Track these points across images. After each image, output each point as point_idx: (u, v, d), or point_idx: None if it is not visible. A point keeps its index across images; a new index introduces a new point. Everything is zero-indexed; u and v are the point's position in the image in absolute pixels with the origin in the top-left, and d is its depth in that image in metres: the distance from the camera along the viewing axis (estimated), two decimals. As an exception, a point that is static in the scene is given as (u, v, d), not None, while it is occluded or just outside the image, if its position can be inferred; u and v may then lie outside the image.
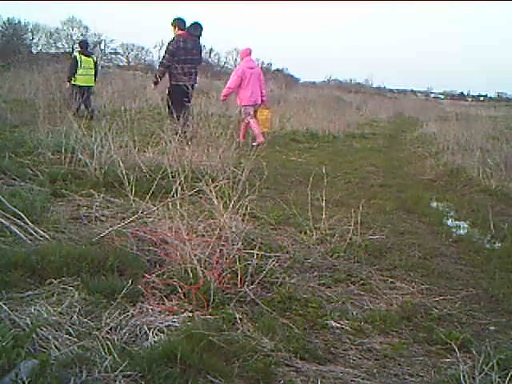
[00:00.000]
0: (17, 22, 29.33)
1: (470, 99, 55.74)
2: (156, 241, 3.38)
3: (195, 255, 3.03)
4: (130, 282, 2.83)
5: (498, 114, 23.70)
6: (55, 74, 13.70)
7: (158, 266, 3.18)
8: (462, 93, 60.85)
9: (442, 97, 57.36)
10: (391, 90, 48.66)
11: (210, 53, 34.89)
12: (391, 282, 3.48)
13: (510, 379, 2.20)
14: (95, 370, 2.05)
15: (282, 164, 7.88)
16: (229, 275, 3.01)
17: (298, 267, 3.55)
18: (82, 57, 10.97)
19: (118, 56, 36.53)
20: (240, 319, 2.65)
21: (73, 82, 10.82)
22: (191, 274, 2.95)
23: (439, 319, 3.00)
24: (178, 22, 7.68)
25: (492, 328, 2.97)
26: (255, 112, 9.38)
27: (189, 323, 2.49)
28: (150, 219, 3.76)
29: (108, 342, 2.25)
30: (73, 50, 34.38)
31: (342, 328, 2.77)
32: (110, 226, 3.59)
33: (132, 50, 37.86)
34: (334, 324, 2.80)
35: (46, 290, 2.71)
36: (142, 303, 2.70)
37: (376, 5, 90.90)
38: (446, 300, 3.27)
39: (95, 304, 2.61)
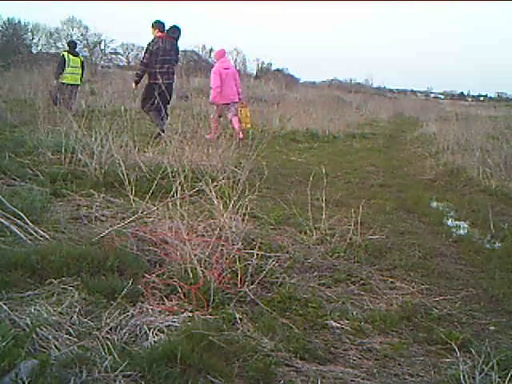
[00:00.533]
0: (17, 21, 29.34)
1: (470, 99, 55.73)
2: (156, 241, 3.38)
3: (195, 255, 3.03)
4: (130, 282, 2.83)
5: (498, 114, 23.67)
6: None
7: (158, 265, 3.19)
8: (462, 93, 60.90)
9: (442, 97, 57.36)
10: (391, 90, 48.70)
11: (210, 53, 34.82)
12: (391, 282, 3.48)
13: (510, 379, 2.20)
14: (95, 370, 2.05)
15: (281, 164, 7.88)
16: (229, 275, 3.01)
17: (298, 267, 3.55)
18: (70, 56, 11.25)
19: (118, 56, 36.49)
20: (240, 319, 2.65)
21: (60, 80, 11.04)
22: (191, 274, 2.95)
23: (439, 319, 3.00)
24: (158, 25, 8.10)
25: (492, 328, 2.97)
26: (236, 111, 9.80)
27: (189, 323, 2.49)
28: (150, 219, 3.76)
29: (108, 342, 2.25)
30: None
31: (342, 328, 2.77)
32: (110, 226, 3.59)
33: (132, 50, 37.79)
34: (334, 324, 2.80)
35: (46, 290, 2.71)
36: (142, 303, 2.70)
37: (376, 5, 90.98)
38: (445, 300, 3.27)
39: (95, 304, 2.61)
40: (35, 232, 3.39)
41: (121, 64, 35.18)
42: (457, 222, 5.47)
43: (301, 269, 3.54)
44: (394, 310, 3.05)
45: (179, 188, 3.74)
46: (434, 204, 6.32)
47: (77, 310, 2.51)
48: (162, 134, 6.95)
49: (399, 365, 2.50)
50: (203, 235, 3.42)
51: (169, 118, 7.91)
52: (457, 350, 2.53)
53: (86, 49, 33.83)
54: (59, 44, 32.82)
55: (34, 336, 2.19)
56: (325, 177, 4.71)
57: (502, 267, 3.93)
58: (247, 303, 2.88)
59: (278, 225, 4.41)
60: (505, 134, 11.17)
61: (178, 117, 6.64)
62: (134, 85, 8.43)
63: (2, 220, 3.44)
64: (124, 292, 2.71)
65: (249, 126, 9.86)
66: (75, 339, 2.26)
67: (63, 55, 11.33)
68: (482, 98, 58.13)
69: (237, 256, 3.12)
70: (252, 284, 2.99)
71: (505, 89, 74.75)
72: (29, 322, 2.29)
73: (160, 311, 2.64)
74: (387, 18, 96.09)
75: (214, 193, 3.73)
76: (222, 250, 3.16)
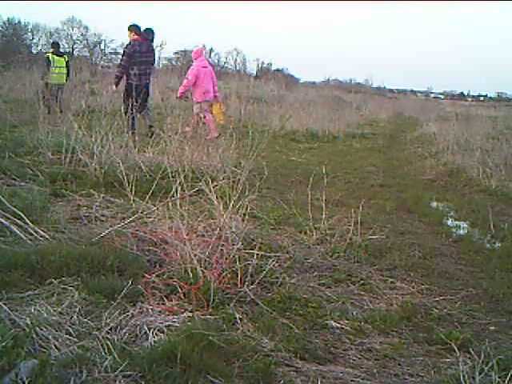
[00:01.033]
0: (17, 21, 29.40)
1: (470, 99, 55.68)
2: (156, 241, 3.38)
3: (195, 255, 3.03)
4: (130, 282, 2.83)
5: (497, 114, 23.65)
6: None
7: (158, 265, 3.19)
8: (462, 93, 60.86)
9: (442, 97, 57.33)
10: (391, 90, 48.67)
11: (210, 53, 34.89)
12: (391, 282, 3.48)
13: (510, 379, 2.20)
14: (95, 370, 2.05)
15: (281, 164, 7.88)
16: (229, 275, 3.01)
17: (298, 267, 3.55)
18: (55, 57, 11.42)
19: (118, 56, 36.49)
20: (240, 319, 2.65)
21: (46, 81, 11.16)
22: (191, 274, 2.94)
23: (439, 319, 3.00)
24: (134, 28, 8.37)
25: (492, 328, 2.97)
26: (210, 107, 9.87)
27: (189, 323, 2.49)
28: (150, 219, 3.76)
29: (108, 342, 2.25)
30: (73, 49, 34.43)
31: (342, 328, 2.77)
32: (110, 226, 3.59)
33: (132, 50, 37.73)
34: (334, 324, 2.80)
35: (46, 290, 2.71)
36: (142, 303, 2.70)
37: (376, 5, 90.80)
38: (445, 300, 3.27)
39: (95, 304, 2.61)
40: (35, 232, 3.39)
41: (121, 64, 35.15)
42: (457, 222, 5.47)
43: (301, 269, 3.54)
44: (393, 309, 3.06)
45: (179, 188, 3.74)
46: (434, 204, 6.32)
47: (77, 310, 2.51)
48: (152, 128, 7.53)
49: (399, 365, 2.50)
50: (203, 235, 3.42)
51: (150, 112, 8.57)
52: (457, 350, 2.53)
53: (86, 49, 33.88)
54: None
55: (34, 336, 2.20)
56: (325, 177, 4.71)
57: (502, 267, 3.93)
58: (247, 303, 2.88)
59: (277, 225, 4.41)
60: (505, 134, 11.19)
61: (178, 117, 6.63)
62: (114, 86, 8.75)
63: (2, 220, 3.44)
64: (124, 292, 2.71)
65: (222, 122, 9.97)
66: (75, 339, 2.26)
67: (48, 56, 11.50)
68: (482, 98, 58.11)
69: (237, 256, 3.12)
70: (252, 284, 2.99)
71: (505, 89, 74.76)
72: (29, 322, 2.29)
73: (160, 311, 2.64)
74: (387, 18, 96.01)
75: (213, 193, 3.73)
76: (221, 250, 3.16)
